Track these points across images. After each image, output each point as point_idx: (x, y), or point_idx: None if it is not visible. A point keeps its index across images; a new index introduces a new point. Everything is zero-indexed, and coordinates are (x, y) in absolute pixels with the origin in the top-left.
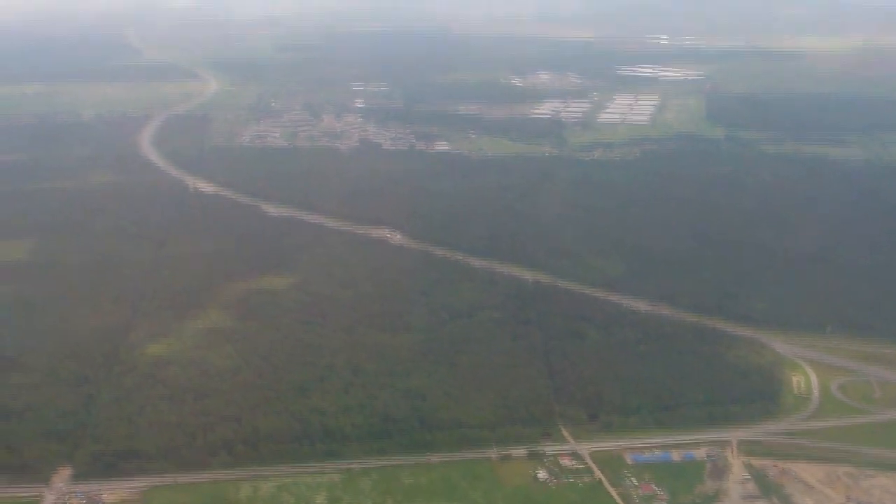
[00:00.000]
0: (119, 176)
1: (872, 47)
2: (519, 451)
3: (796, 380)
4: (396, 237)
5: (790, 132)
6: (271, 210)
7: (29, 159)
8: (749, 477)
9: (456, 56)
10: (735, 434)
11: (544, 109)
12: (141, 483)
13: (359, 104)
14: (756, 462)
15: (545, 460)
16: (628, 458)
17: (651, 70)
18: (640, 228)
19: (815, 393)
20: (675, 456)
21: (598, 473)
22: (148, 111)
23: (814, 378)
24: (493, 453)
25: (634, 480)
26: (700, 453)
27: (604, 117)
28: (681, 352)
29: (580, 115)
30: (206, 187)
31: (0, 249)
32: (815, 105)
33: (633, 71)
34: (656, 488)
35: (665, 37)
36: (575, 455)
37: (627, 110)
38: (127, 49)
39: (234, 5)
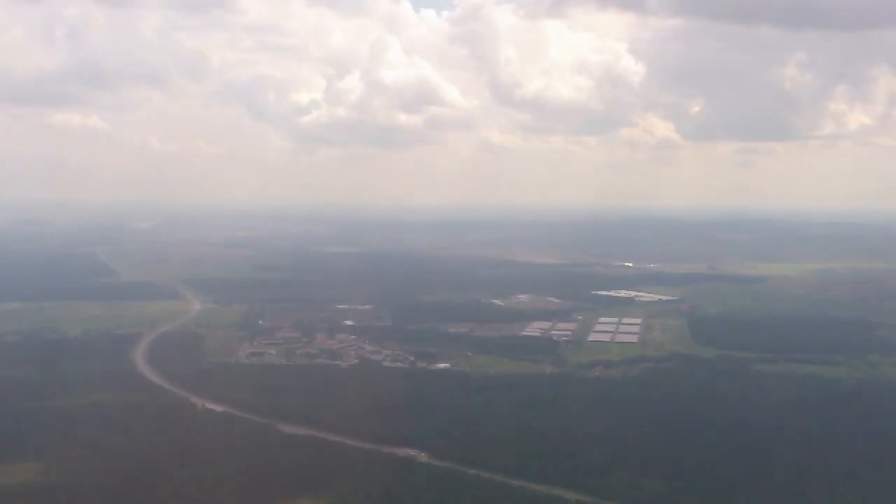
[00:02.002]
0: (120, 394)
1: (826, 271)
2: None
3: None
4: (423, 457)
5: (777, 353)
6: (287, 429)
7: (22, 377)
8: None
9: (432, 277)
10: None
11: (533, 329)
12: None
13: (349, 323)
14: None
15: None
16: None
17: (626, 293)
18: (666, 444)
19: None
20: None
21: None
22: (135, 329)
23: None
24: None
25: None
26: None
27: (593, 337)
28: None
29: (570, 334)
30: (214, 406)
31: (8, 472)
32: (791, 326)
33: (609, 293)
34: None
35: (630, 263)
36: None
37: (615, 330)
38: (101, 268)
39: (194, 227)
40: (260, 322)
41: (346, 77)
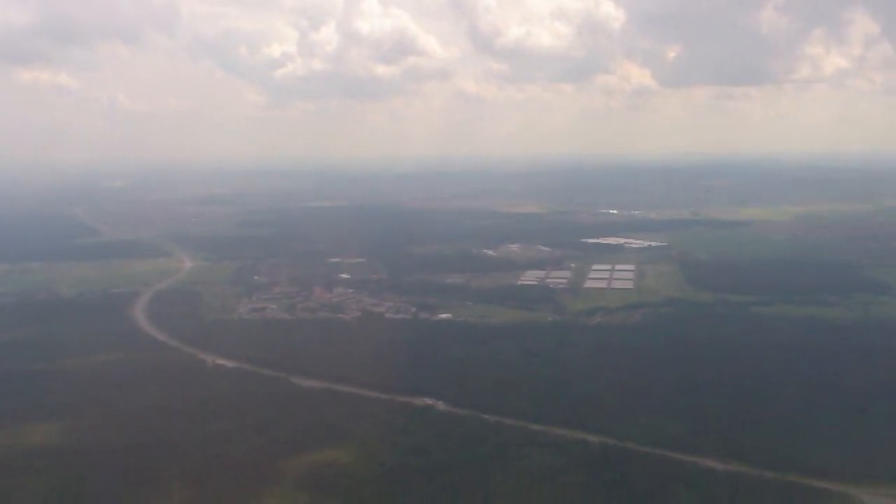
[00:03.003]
0: (127, 353)
1: (807, 215)
2: None
3: None
4: (440, 405)
5: (772, 295)
6: (302, 382)
7: (25, 339)
8: None
9: (420, 230)
10: None
11: (529, 278)
12: None
13: (345, 276)
14: None
15: None
16: None
17: (614, 240)
18: (678, 388)
19: None
20: None
21: None
22: (130, 288)
23: None
24: None
25: None
26: None
27: (589, 284)
28: None
29: (565, 282)
30: (224, 361)
31: (27, 434)
32: (781, 269)
33: (598, 241)
34: None
35: (614, 210)
36: None
37: (609, 277)
38: (83, 228)
39: (169, 185)
40: (255, 277)
41: (321, 28)
